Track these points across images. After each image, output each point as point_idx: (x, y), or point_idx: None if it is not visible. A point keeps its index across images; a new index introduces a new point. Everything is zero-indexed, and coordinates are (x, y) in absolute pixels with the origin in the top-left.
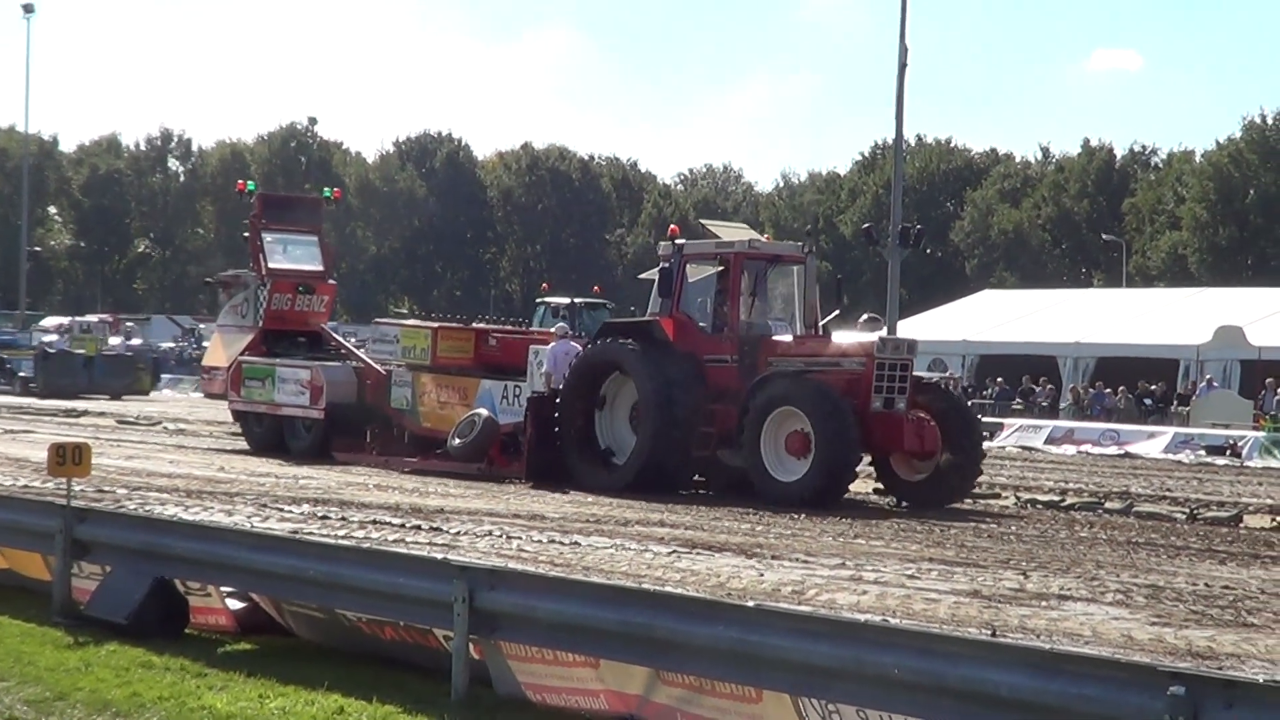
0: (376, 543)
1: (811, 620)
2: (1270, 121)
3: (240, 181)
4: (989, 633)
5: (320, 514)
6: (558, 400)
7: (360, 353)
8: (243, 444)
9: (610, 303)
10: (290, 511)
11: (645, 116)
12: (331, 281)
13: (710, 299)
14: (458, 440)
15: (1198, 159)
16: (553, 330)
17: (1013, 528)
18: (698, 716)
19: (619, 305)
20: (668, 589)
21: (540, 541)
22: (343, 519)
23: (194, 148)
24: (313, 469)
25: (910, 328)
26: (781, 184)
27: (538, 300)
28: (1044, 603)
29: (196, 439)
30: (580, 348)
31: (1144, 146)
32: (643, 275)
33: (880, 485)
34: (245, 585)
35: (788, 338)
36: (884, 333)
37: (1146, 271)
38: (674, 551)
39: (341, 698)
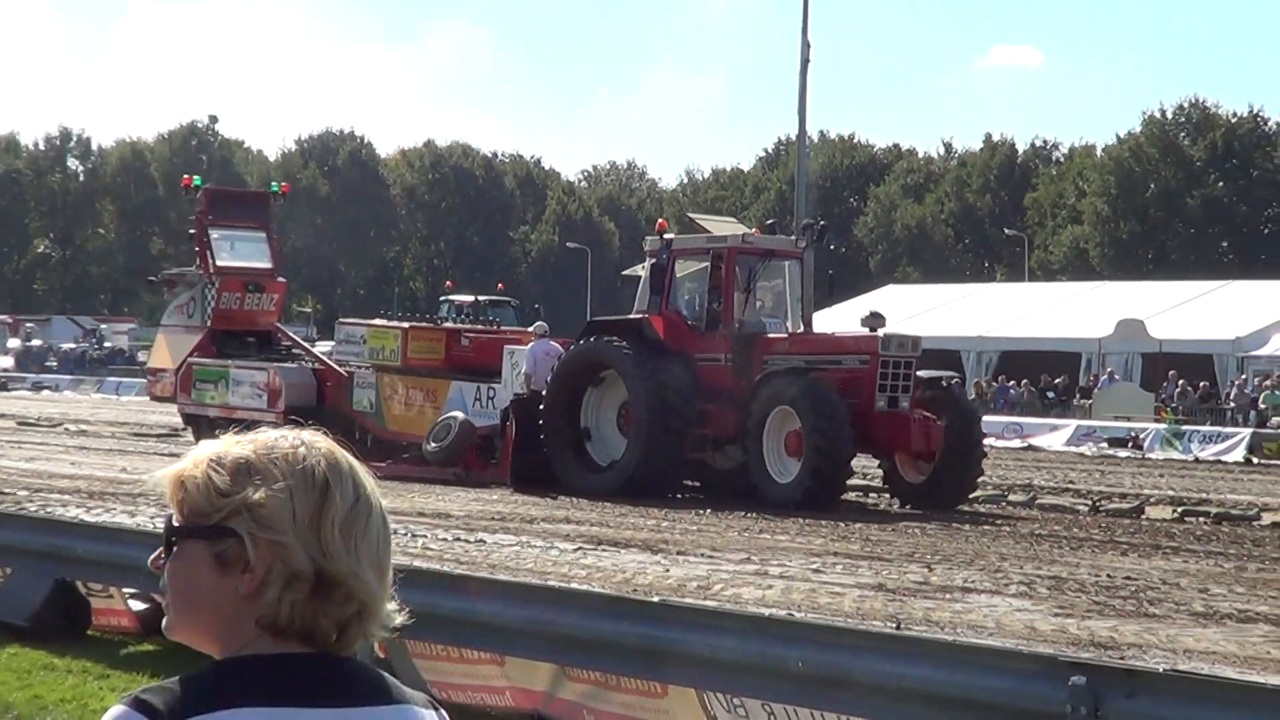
0: None
1: (716, 615)
2: (1170, 116)
3: (186, 176)
4: (893, 626)
5: None
6: (540, 402)
7: (317, 352)
8: (146, 445)
9: (515, 300)
10: None
11: (548, 114)
12: (281, 279)
13: (700, 296)
14: (433, 444)
15: (1098, 153)
16: (530, 330)
17: (917, 521)
18: (604, 712)
19: (523, 303)
20: (573, 586)
21: (445, 539)
22: None
23: (93, 147)
24: None
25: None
26: (685, 180)
27: (442, 298)
28: (948, 595)
29: (99, 440)
30: (560, 347)
31: (1045, 141)
32: (626, 272)
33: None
34: (148, 586)
35: (784, 335)
36: (887, 329)
37: (1049, 266)
38: (579, 548)
39: None
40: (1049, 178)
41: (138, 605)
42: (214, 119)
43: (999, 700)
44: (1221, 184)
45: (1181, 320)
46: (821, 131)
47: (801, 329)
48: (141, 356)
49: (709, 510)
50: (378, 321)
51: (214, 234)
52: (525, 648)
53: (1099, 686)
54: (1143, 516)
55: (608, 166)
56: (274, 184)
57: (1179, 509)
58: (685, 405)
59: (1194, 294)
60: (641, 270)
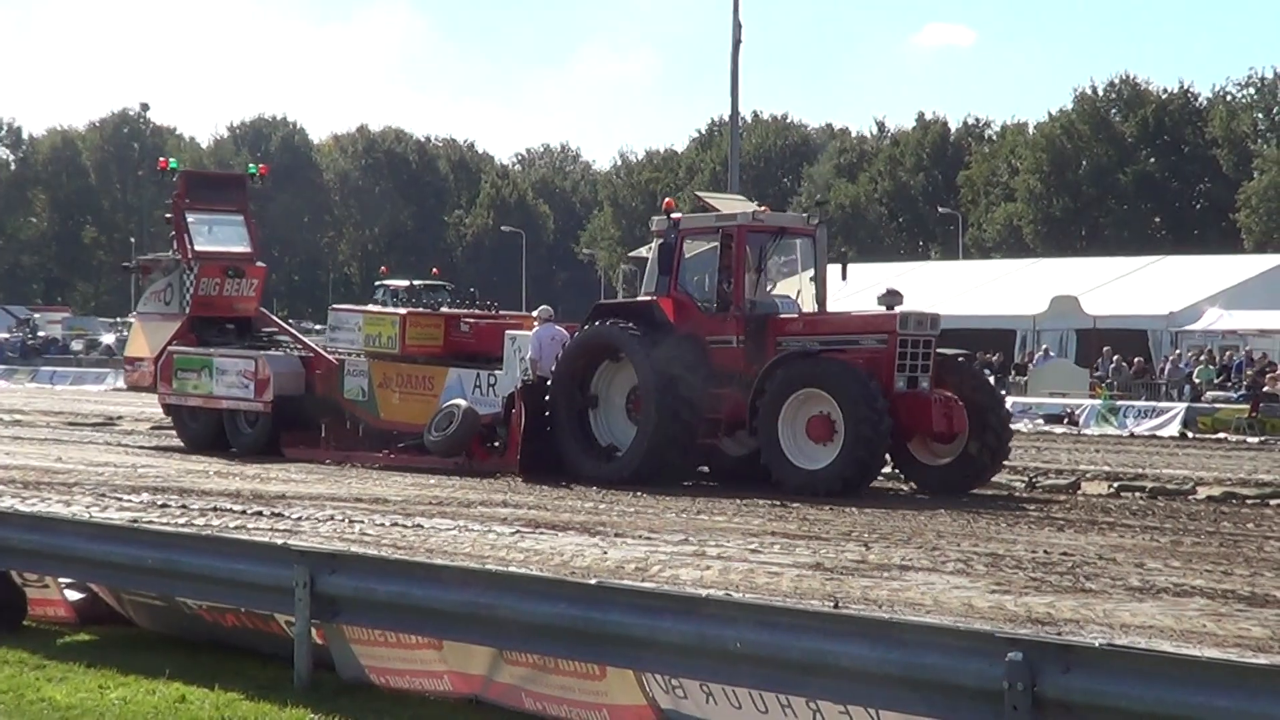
0: (217, 530)
1: (653, 596)
2: (1101, 93)
3: (163, 160)
4: (831, 605)
5: (160, 502)
6: (547, 388)
7: (306, 339)
8: (81, 435)
9: (449, 284)
10: (129, 501)
11: (482, 97)
12: (261, 264)
13: (709, 276)
14: (436, 434)
15: (1031, 131)
16: (533, 315)
17: (854, 500)
18: (542, 695)
19: (458, 286)
20: (510, 569)
21: (383, 525)
22: (183, 507)
23: (24, 135)
24: (152, 458)
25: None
26: (619, 162)
27: (376, 283)
28: (886, 573)
29: (33, 430)
30: (565, 331)
31: (977, 119)
32: (633, 254)
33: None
34: (84, 576)
35: (796, 315)
36: (905, 307)
37: (982, 243)
38: (517, 532)
39: (183, 686)
40: (982, 156)
41: (74, 595)
42: (145, 106)
43: (936, 677)
44: (1153, 160)
45: (1115, 296)
46: (755, 112)
47: (815, 309)
48: (76, 345)
49: (645, 493)
50: (373, 308)
51: (191, 218)
52: (463, 632)
53: (1036, 662)
54: (1079, 492)
55: (541, 149)
56: (251, 166)
57: (1115, 484)
58: (696, 390)
59: (1127, 270)
60: (648, 252)
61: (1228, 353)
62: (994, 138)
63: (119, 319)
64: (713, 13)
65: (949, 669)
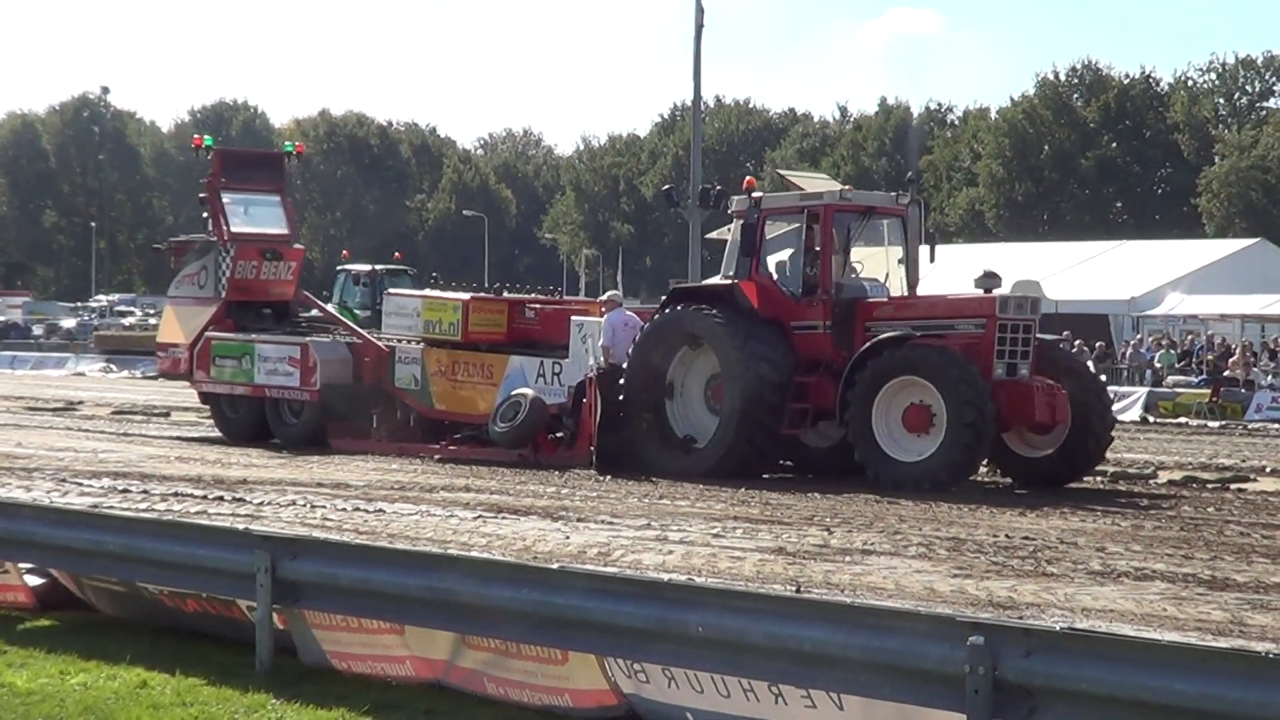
0: (178, 515)
1: (615, 581)
2: (1063, 77)
3: (197, 137)
4: (793, 589)
5: (121, 488)
6: (621, 376)
7: (352, 325)
8: (41, 420)
9: (412, 269)
10: (90, 486)
11: (444, 82)
12: (299, 246)
13: (793, 259)
14: (501, 424)
15: (993, 116)
16: (602, 299)
17: (817, 485)
18: (504, 679)
19: (421, 271)
20: (472, 553)
21: (345, 509)
22: (144, 492)
23: None
24: (113, 443)
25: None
26: (582, 147)
27: (338, 268)
28: (848, 558)
29: None
30: (638, 317)
31: (940, 105)
32: (711, 235)
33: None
34: (44, 561)
35: (886, 299)
36: (1004, 290)
37: (945, 228)
38: (479, 516)
39: (144, 671)
40: (944, 140)
41: (34, 581)
42: (106, 90)
43: (898, 661)
44: (1114, 145)
45: (1077, 281)
46: (717, 96)
47: (904, 292)
48: (37, 330)
49: (608, 477)
50: (432, 293)
51: (227, 198)
52: (425, 616)
53: (997, 646)
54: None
55: (504, 134)
56: (288, 144)
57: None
58: (782, 379)
59: (1089, 255)
60: (728, 233)
61: (1189, 337)
62: (956, 123)
63: (79, 304)
64: None
65: (911, 653)
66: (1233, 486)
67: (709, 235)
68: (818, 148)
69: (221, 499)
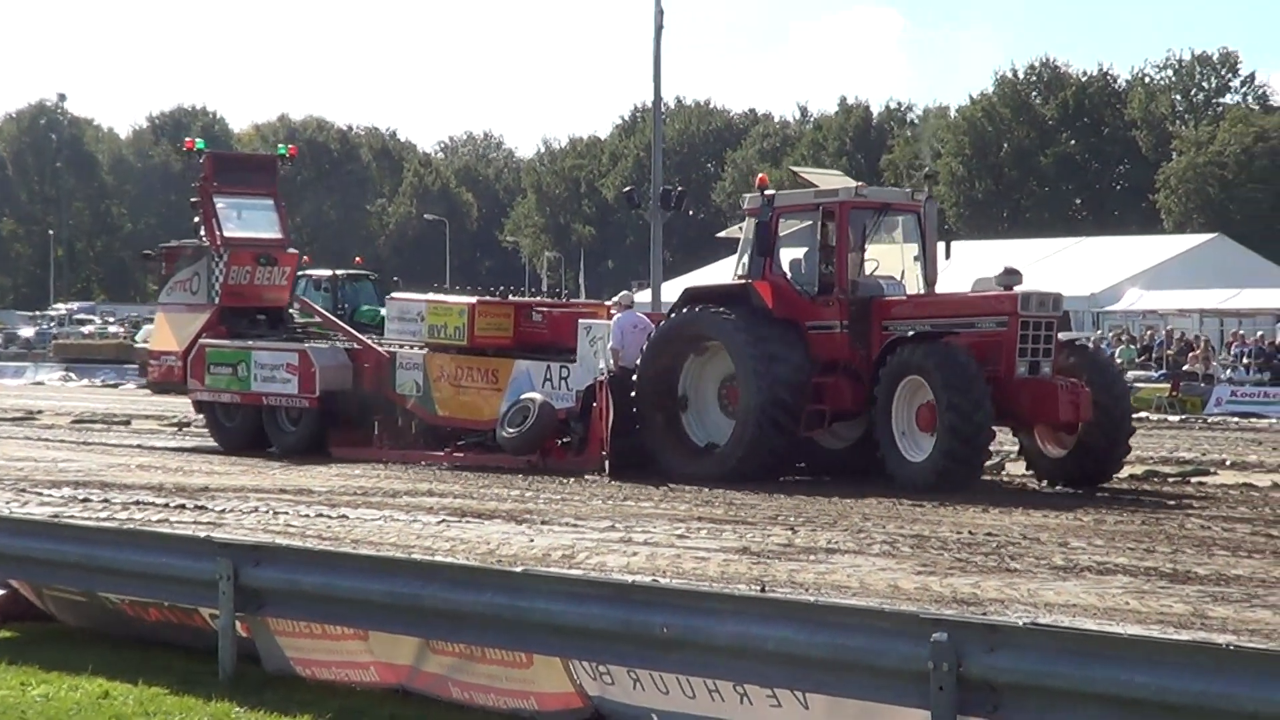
0: (139, 524)
1: (579, 583)
2: (1021, 75)
3: (189, 140)
4: (758, 589)
5: (81, 497)
6: (633, 380)
7: (351, 330)
8: None
9: (373, 274)
10: (50, 495)
11: (404, 85)
12: (293, 251)
13: (808, 257)
14: (510, 430)
15: (953, 114)
16: (613, 301)
17: (780, 485)
18: (469, 684)
19: (383, 276)
20: (435, 558)
21: (308, 515)
22: (104, 501)
23: None
24: (73, 452)
25: (674, 289)
26: (543, 149)
27: (299, 274)
28: (812, 557)
29: None
30: (648, 319)
31: (900, 104)
32: (722, 234)
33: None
34: (4, 572)
35: (904, 297)
36: (1025, 287)
37: None
38: (443, 520)
39: (106, 681)
40: (904, 140)
41: None
42: (62, 97)
43: (863, 659)
44: (1073, 142)
45: (1037, 278)
46: (678, 98)
47: (923, 290)
48: None
49: (572, 480)
50: (436, 296)
51: (220, 202)
52: (389, 622)
53: (961, 642)
54: (1003, 472)
55: (464, 137)
56: (281, 147)
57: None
58: (799, 381)
59: (1049, 251)
60: (739, 231)
61: (1148, 332)
62: (916, 121)
63: (38, 312)
64: None
65: (875, 650)
66: (1193, 480)
67: (720, 235)
68: (779, 148)
69: (183, 507)
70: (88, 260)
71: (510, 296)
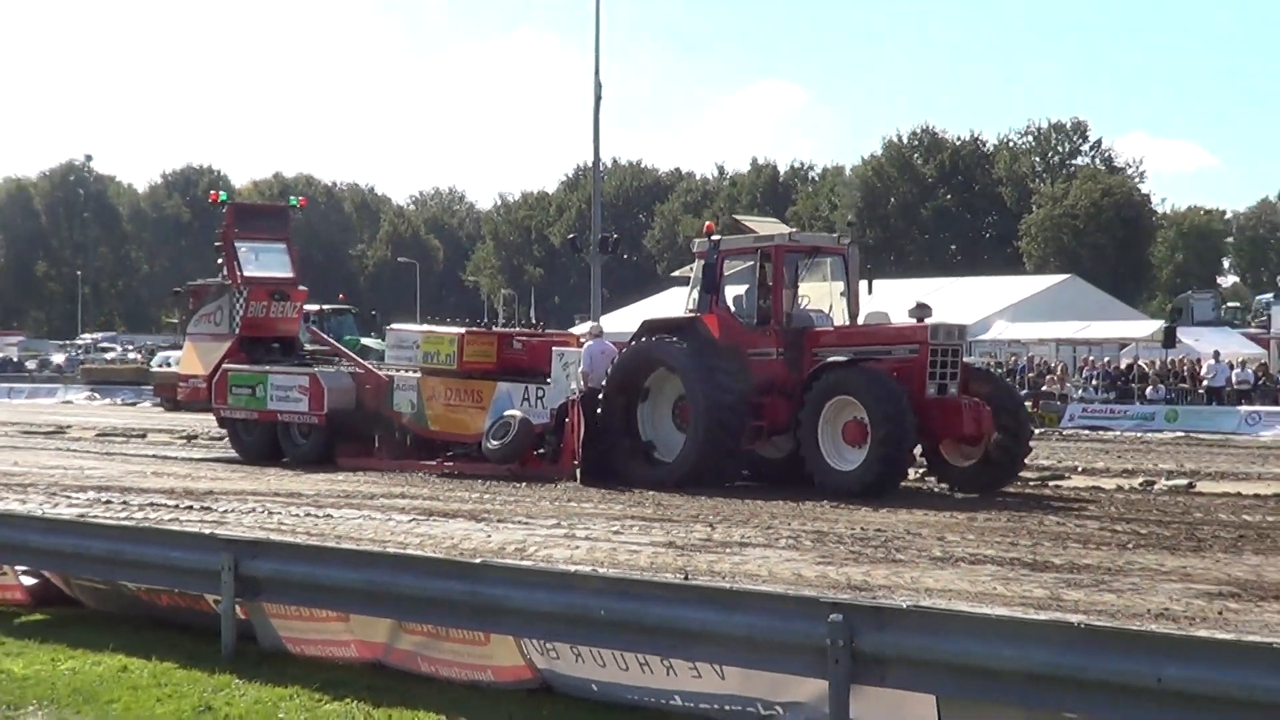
0: (154, 522)
1: (530, 572)
2: (905, 140)
3: (214, 192)
4: (682, 577)
5: (104, 499)
6: (599, 399)
7: (354, 355)
8: (34, 442)
9: (354, 308)
10: (77, 498)
11: (380, 147)
12: (303, 288)
13: (748, 293)
14: (494, 442)
15: (847, 173)
16: (584, 332)
17: (703, 488)
18: (436, 659)
19: (361, 310)
20: (407, 551)
21: (298, 515)
22: (124, 503)
23: None
24: (97, 461)
25: (611, 322)
26: (499, 202)
27: None
28: (728, 549)
29: None
30: (614, 347)
31: (802, 163)
32: (676, 273)
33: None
34: (38, 564)
35: (832, 328)
36: (934, 319)
37: None
38: (414, 519)
39: (125, 658)
40: (806, 194)
41: (29, 581)
42: (89, 158)
43: (771, 637)
44: (949, 196)
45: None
46: (614, 158)
47: (847, 322)
48: (30, 365)
49: (524, 485)
50: (430, 327)
51: (240, 246)
52: (367, 606)
53: (854, 622)
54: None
55: (432, 191)
56: (293, 198)
57: (920, 471)
58: (741, 398)
59: (929, 290)
60: (689, 271)
61: (1013, 358)
62: (816, 179)
63: (67, 341)
64: (578, 73)
65: (781, 629)
66: (1050, 483)
67: (673, 274)
68: (700, 201)
69: (191, 508)
70: (110, 297)
71: (493, 328)
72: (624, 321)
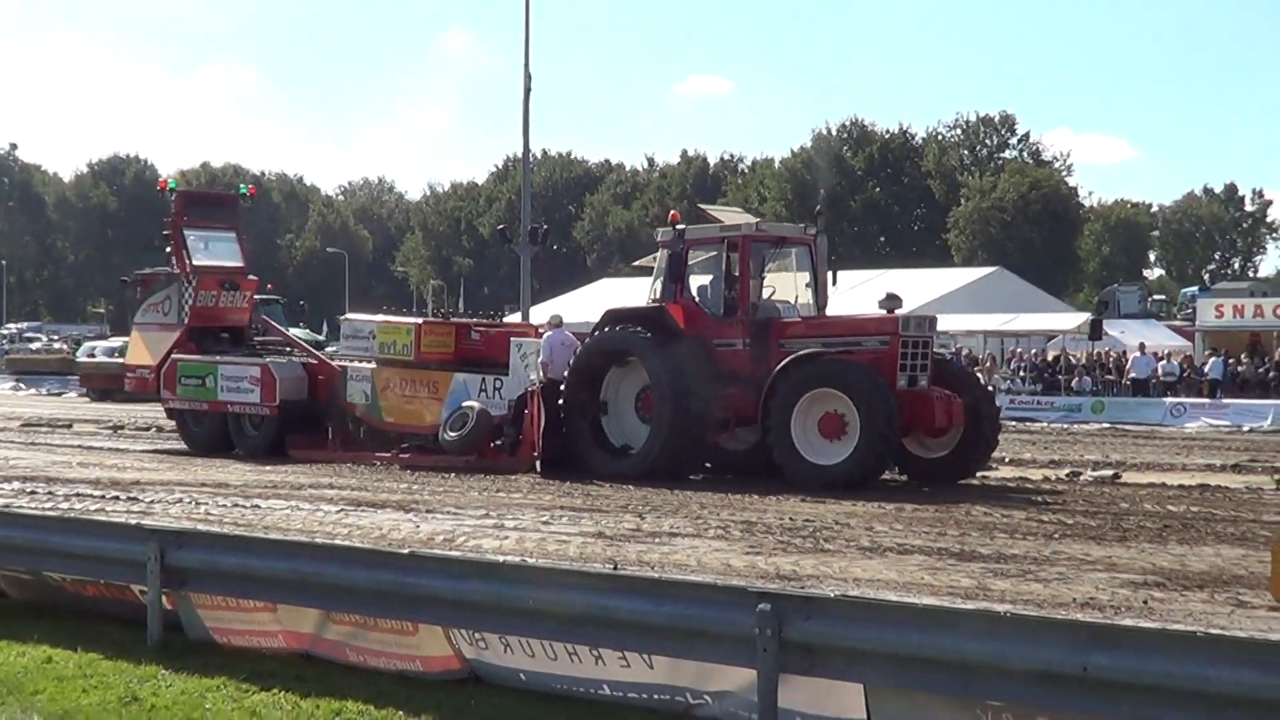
0: (79, 513)
1: (459, 563)
2: (834, 132)
3: (161, 180)
4: (611, 567)
5: (29, 489)
6: (561, 389)
7: (308, 346)
8: None
9: (282, 299)
10: (1, 488)
11: (309, 137)
12: (253, 277)
13: (714, 283)
14: (452, 433)
15: (776, 165)
16: (544, 323)
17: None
18: (364, 649)
19: (290, 300)
20: (335, 541)
21: (225, 505)
22: (49, 493)
23: None
24: (22, 451)
25: (541, 313)
26: (429, 193)
27: None
28: (657, 539)
29: None
30: (574, 337)
31: (732, 155)
32: (638, 263)
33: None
34: None
35: (799, 319)
36: (905, 310)
37: None
38: (342, 509)
39: (50, 648)
40: (736, 186)
41: None
42: (14, 146)
43: (700, 626)
44: (878, 189)
45: (848, 305)
46: (544, 149)
47: (814, 313)
48: None
49: (453, 475)
50: (385, 317)
51: (189, 235)
52: (294, 596)
53: (782, 612)
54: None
55: (361, 181)
56: (242, 186)
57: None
58: (706, 389)
59: (858, 281)
60: (653, 261)
61: (941, 349)
62: (745, 171)
63: None
64: (508, 64)
65: (710, 619)
66: (978, 475)
67: (636, 263)
68: (629, 193)
69: (117, 498)
70: (35, 286)
71: (450, 318)
72: (553, 311)
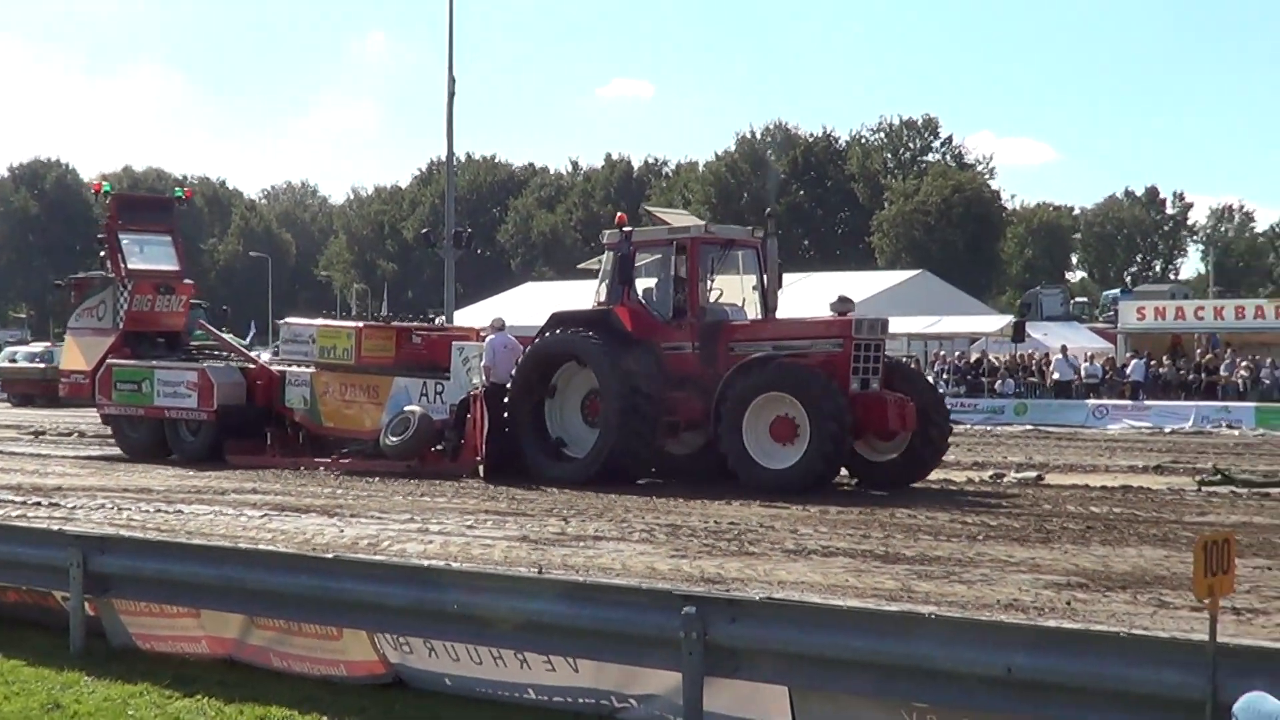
0: (0, 519)
1: (383, 567)
2: (758, 135)
3: (96, 183)
4: (536, 570)
5: None
6: (504, 393)
7: (245, 351)
8: None
9: (205, 303)
10: None
11: (231, 140)
12: (189, 281)
13: (661, 286)
14: (393, 438)
15: (700, 168)
16: (486, 327)
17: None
18: (288, 654)
19: (213, 305)
20: (258, 547)
21: (148, 511)
22: None
23: None
24: None
25: (464, 317)
26: (352, 196)
27: None
28: (582, 543)
29: None
30: (517, 341)
31: (656, 159)
32: (582, 265)
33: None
34: None
35: (747, 322)
36: (856, 314)
37: None
38: (265, 514)
39: None
40: (660, 189)
41: None
42: None
43: (625, 629)
44: (802, 192)
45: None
46: (468, 152)
47: (763, 316)
48: None
49: (377, 479)
50: (325, 321)
51: (124, 238)
52: (218, 601)
53: (707, 614)
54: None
55: (284, 185)
56: (178, 189)
57: None
58: (654, 392)
59: (784, 284)
60: (598, 264)
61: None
62: (670, 174)
63: None
64: (431, 67)
65: (635, 622)
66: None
67: (580, 266)
68: (554, 196)
69: (39, 504)
70: None
71: (391, 322)
72: (476, 316)
